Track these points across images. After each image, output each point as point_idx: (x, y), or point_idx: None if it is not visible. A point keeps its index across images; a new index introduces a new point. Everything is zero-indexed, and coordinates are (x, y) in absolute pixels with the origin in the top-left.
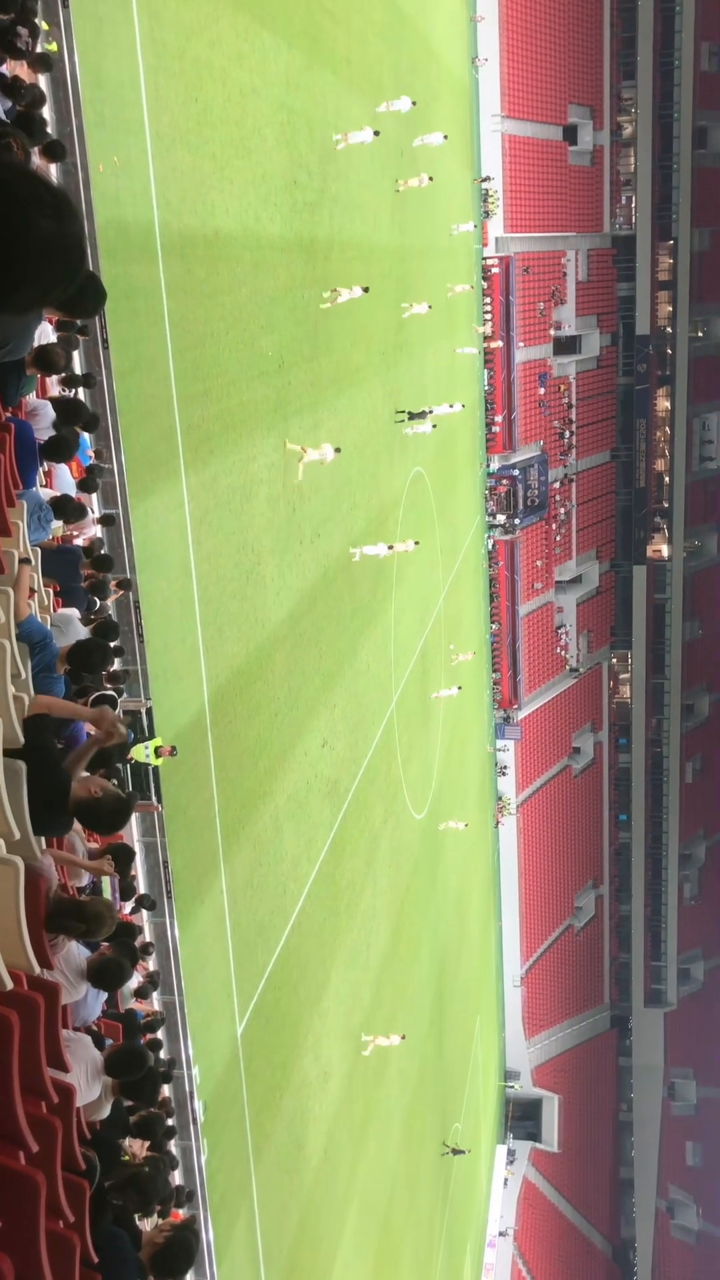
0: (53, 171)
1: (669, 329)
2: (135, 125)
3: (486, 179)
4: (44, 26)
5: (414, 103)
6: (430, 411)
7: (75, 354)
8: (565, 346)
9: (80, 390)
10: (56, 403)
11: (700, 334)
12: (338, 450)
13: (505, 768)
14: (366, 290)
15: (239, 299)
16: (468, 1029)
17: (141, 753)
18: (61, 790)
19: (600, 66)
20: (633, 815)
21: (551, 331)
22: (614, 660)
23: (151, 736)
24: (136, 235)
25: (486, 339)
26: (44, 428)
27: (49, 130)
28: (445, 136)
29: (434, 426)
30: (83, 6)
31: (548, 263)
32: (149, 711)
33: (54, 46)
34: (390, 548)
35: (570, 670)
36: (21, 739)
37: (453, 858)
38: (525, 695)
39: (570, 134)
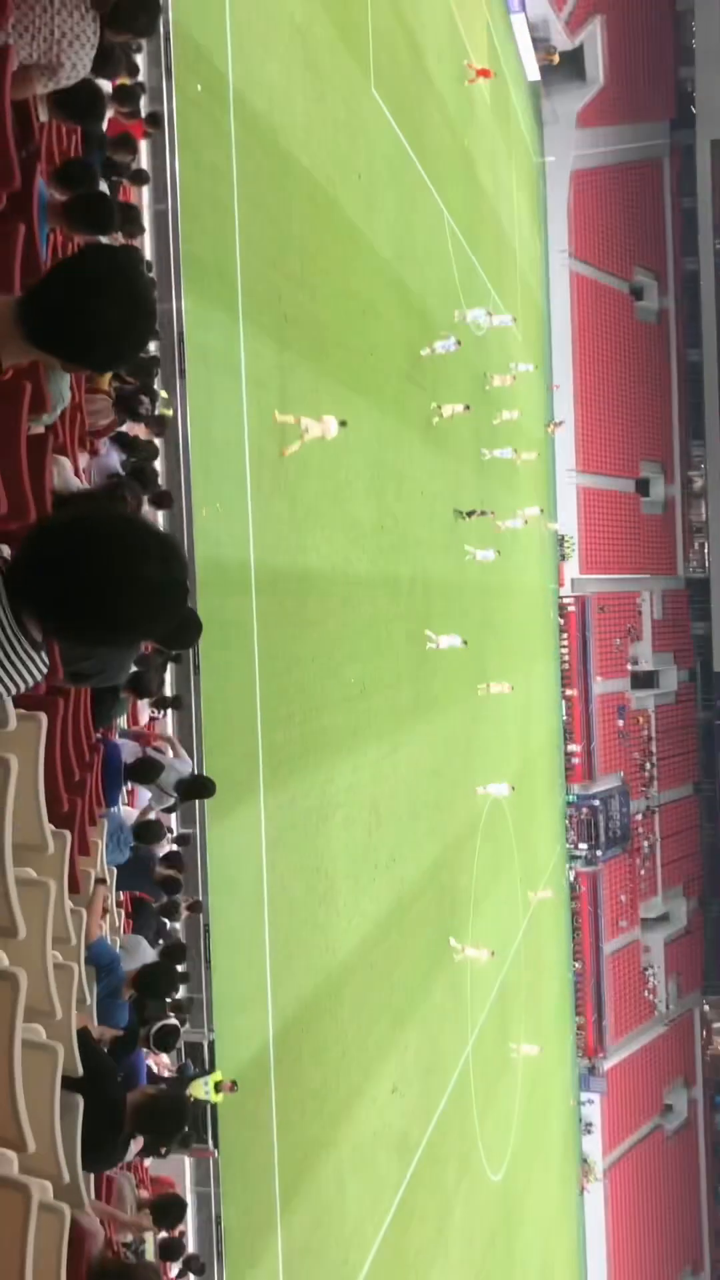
0: (160, 518)
1: None
2: (237, 477)
3: (560, 424)
4: (162, 394)
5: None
6: (489, 513)
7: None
8: (643, 681)
9: (169, 711)
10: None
11: None
12: (343, 424)
13: (590, 1125)
14: (468, 408)
15: (326, 630)
16: None
17: (200, 1089)
18: (118, 1109)
19: (670, 428)
20: None
21: (629, 666)
22: (706, 1007)
23: (211, 1070)
24: (233, 572)
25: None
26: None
27: (159, 481)
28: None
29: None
30: (198, 378)
31: (623, 602)
32: (211, 1044)
33: (170, 411)
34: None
35: (660, 1017)
36: (80, 1069)
37: (534, 1229)
38: (611, 1043)
39: (642, 486)
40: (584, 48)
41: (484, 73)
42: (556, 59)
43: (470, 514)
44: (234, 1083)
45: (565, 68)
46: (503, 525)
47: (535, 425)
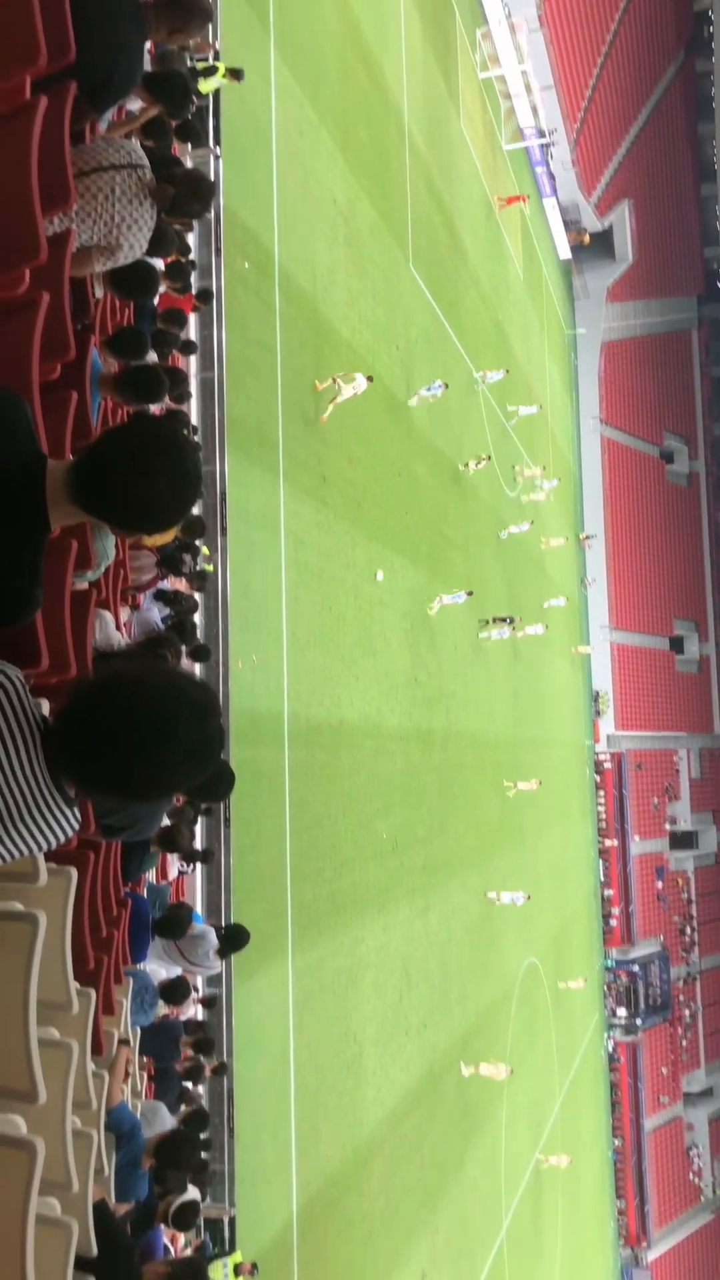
0: (197, 669)
1: None
2: (274, 629)
3: (590, 537)
4: (204, 550)
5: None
6: (514, 620)
7: (197, 829)
8: (681, 841)
9: (198, 865)
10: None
11: None
12: (370, 379)
13: None
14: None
15: (357, 782)
16: None
17: (219, 1271)
18: None
19: (703, 587)
20: None
21: (667, 826)
22: None
23: (231, 1250)
24: (267, 723)
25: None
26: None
27: (198, 633)
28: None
29: (513, 626)
30: (238, 534)
31: (660, 760)
32: (231, 1221)
33: (210, 567)
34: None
35: (706, 1203)
36: (94, 1248)
37: None
38: (655, 1230)
39: (677, 644)
40: (613, 228)
41: (516, 199)
42: (587, 239)
43: (498, 621)
44: (254, 1265)
45: (596, 247)
46: (523, 633)
47: (562, 513)
